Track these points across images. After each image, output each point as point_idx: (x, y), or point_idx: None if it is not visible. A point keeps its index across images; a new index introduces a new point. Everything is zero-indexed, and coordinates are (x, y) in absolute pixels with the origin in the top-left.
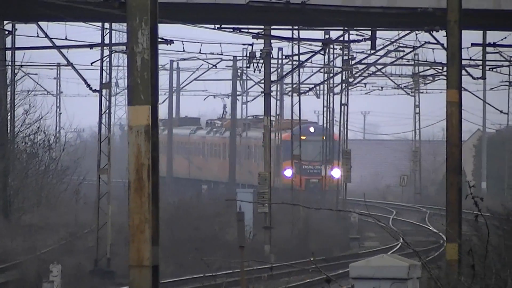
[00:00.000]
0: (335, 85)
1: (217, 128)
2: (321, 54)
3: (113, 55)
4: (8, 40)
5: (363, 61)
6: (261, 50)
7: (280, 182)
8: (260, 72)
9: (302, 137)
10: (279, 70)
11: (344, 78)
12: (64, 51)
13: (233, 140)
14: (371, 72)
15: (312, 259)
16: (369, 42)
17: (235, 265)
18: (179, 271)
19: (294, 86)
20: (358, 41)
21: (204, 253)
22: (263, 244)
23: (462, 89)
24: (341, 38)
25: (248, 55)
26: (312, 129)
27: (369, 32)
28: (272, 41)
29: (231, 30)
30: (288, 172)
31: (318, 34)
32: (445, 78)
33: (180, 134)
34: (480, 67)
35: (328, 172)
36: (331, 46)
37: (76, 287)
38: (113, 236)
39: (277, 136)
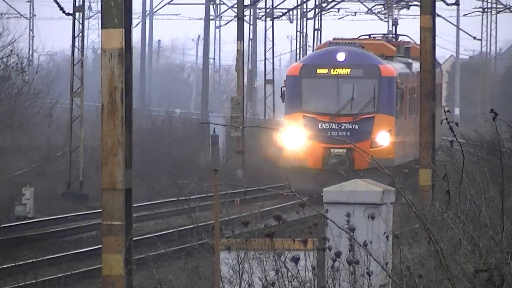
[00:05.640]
0: (308, 10)
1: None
2: None
3: None
4: None
5: None
6: None
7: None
8: None
9: (321, 70)
10: None
11: (317, 2)
12: None
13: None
14: None
15: (287, 183)
16: None
17: (208, 189)
18: (152, 195)
19: (268, 10)
20: None
21: (177, 177)
22: (235, 169)
23: (436, 15)
24: None
25: None
26: (341, 56)
27: None
28: None
29: None
30: (292, 137)
31: None
32: (419, 3)
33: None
34: None
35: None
36: None
37: (49, 210)
38: (85, 160)
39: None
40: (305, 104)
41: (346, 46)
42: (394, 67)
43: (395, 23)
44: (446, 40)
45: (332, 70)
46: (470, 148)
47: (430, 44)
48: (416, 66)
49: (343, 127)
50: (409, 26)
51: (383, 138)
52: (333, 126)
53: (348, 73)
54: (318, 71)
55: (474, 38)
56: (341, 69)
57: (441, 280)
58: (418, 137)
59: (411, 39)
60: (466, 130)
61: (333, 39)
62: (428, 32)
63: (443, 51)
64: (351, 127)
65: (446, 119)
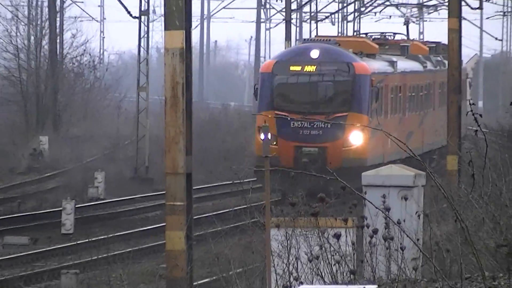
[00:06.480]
0: (348, 13)
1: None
2: None
3: None
4: None
5: None
6: None
7: (255, 151)
8: (282, 1)
9: (294, 68)
10: (298, 0)
11: (357, 7)
12: None
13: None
14: (380, 2)
15: (329, 168)
16: None
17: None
18: (209, 178)
19: (312, 14)
20: None
21: (232, 163)
22: None
23: (462, 18)
24: None
25: None
26: (315, 53)
27: None
28: None
29: None
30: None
31: None
32: (447, 7)
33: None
34: None
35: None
36: None
37: (118, 192)
38: (150, 147)
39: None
40: (277, 101)
41: (321, 43)
42: (370, 65)
43: (406, 23)
44: (471, 40)
45: (305, 67)
46: (492, 137)
47: (457, 44)
48: (403, 65)
49: (315, 126)
50: (438, 28)
51: (356, 138)
52: (305, 125)
53: (321, 70)
54: (291, 68)
55: (496, 38)
56: (314, 66)
57: (466, 254)
58: (405, 136)
59: (407, 37)
60: (489, 121)
61: (316, 36)
62: (455, 33)
63: (468, 50)
64: (323, 125)
65: (471, 111)
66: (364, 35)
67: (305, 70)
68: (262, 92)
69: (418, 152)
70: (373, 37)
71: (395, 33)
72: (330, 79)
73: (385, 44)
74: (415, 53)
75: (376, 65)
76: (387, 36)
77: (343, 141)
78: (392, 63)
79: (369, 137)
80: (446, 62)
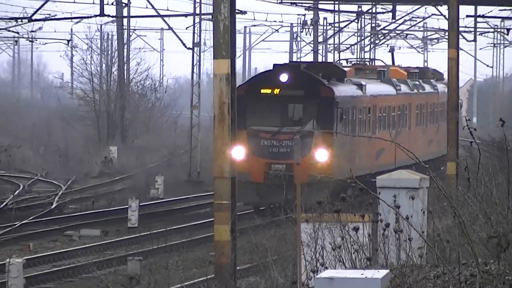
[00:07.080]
0: (365, 45)
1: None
2: (355, 22)
3: (202, 21)
4: (125, 10)
5: (386, 28)
6: (311, 19)
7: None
8: (310, 35)
9: (264, 90)
10: (324, 34)
11: (372, 40)
12: (166, 18)
13: None
14: (392, 36)
15: (352, 174)
16: (390, 14)
17: None
18: None
19: (336, 45)
20: (383, 13)
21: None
22: None
23: (459, 48)
24: (370, 11)
25: (301, 22)
26: (284, 77)
27: (391, 6)
28: (319, 12)
29: (289, 3)
30: (238, 152)
31: (353, 7)
32: (447, 40)
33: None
34: (472, 32)
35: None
36: (363, 16)
37: (175, 192)
38: (202, 156)
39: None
40: (249, 121)
41: (290, 68)
42: (336, 88)
43: (391, 50)
44: (466, 67)
45: (275, 90)
46: (484, 147)
47: (455, 70)
48: (373, 88)
49: (283, 144)
50: (439, 57)
51: (321, 155)
52: (274, 143)
53: (290, 93)
54: (262, 91)
55: (487, 65)
56: (283, 89)
57: (462, 244)
58: (375, 152)
59: (384, 63)
60: (481, 134)
61: (290, 62)
62: (454, 61)
63: (464, 75)
64: (291, 144)
65: (467, 125)
66: (344, 61)
67: (274, 92)
68: (238, 114)
69: (390, 167)
70: (353, 62)
71: (371, 59)
72: (297, 101)
73: (364, 69)
74: (393, 77)
75: (343, 88)
76: (365, 62)
77: (309, 158)
78: (361, 86)
79: (334, 154)
80: (425, 85)
